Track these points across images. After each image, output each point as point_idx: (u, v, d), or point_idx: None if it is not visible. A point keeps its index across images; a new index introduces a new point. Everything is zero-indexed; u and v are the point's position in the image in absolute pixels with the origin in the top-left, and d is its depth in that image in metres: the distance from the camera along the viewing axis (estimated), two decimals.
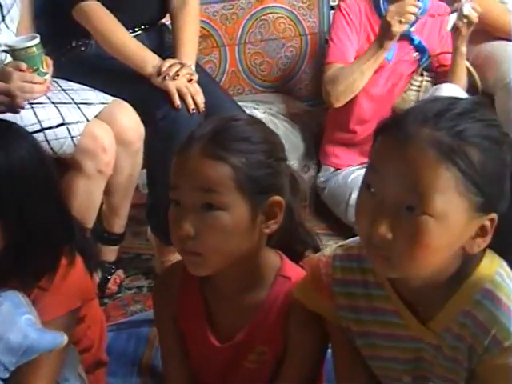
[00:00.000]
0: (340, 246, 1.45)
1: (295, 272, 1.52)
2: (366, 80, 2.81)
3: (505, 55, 2.89)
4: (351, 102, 2.90)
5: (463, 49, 2.80)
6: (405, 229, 1.18)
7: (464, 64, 2.85)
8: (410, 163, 1.16)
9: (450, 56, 2.90)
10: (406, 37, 2.92)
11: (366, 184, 1.24)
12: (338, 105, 2.87)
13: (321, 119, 3.18)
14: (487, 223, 1.22)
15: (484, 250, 1.29)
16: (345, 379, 1.47)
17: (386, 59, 2.88)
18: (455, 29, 2.76)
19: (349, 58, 2.90)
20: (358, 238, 1.37)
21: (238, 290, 1.51)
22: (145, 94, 2.42)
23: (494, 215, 1.21)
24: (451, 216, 1.17)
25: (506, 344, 1.24)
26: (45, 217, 1.53)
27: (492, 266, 1.29)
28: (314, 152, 3.15)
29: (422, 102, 1.29)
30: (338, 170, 3.02)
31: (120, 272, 2.58)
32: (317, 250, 1.59)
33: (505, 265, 1.30)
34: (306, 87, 3.51)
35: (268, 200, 1.43)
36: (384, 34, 2.72)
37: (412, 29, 2.92)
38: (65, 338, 1.50)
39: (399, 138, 1.18)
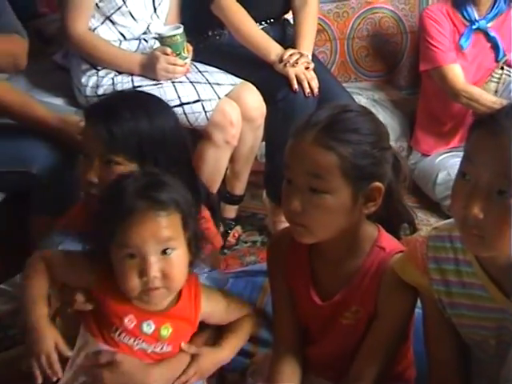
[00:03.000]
0: (434, 228, 1.38)
1: (390, 243, 1.44)
2: None
3: None
4: (444, 96, 2.77)
5: None
6: (495, 210, 1.13)
7: None
8: (503, 152, 1.11)
9: None
10: (483, 31, 2.77)
11: (461, 173, 1.19)
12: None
13: (415, 107, 3.05)
14: None
15: None
16: (434, 339, 1.41)
17: (461, 47, 2.75)
18: None
19: (454, 57, 2.76)
20: (449, 221, 1.32)
21: (339, 256, 1.44)
22: (268, 78, 2.37)
23: None
24: None
25: None
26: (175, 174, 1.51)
27: None
28: (408, 135, 3.03)
29: None
30: (425, 154, 2.90)
31: (238, 227, 2.56)
32: (411, 223, 1.50)
33: None
34: (404, 78, 3.38)
35: (369, 185, 1.35)
36: None
37: (489, 24, 2.77)
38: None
39: (493, 131, 1.13)
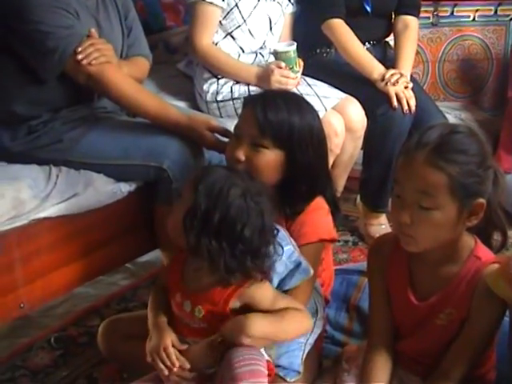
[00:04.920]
0: None
1: (486, 254, 1.39)
2: None
3: None
4: None
5: None
6: None
7: None
8: None
9: None
10: None
11: None
12: None
13: (497, 127, 2.94)
14: None
15: None
16: None
17: None
18: None
19: None
20: None
21: (438, 262, 1.40)
22: (370, 94, 2.33)
23: None
24: None
25: None
26: (316, 162, 1.55)
27: None
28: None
29: None
30: (506, 172, 2.77)
31: None
32: (503, 231, 1.43)
33: None
34: (489, 100, 3.25)
35: (474, 202, 1.31)
36: None
37: None
38: (311, 272, 1.49)
39: None
